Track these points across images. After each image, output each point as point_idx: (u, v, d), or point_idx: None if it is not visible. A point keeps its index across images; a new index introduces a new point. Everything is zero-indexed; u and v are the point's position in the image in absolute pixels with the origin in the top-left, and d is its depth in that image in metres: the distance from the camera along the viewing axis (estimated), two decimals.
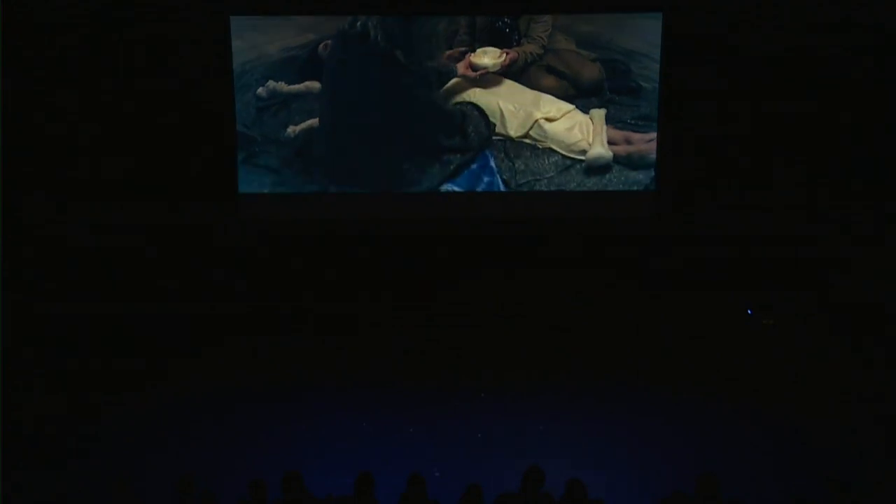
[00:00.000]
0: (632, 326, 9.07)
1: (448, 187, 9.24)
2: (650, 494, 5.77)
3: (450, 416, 7.62)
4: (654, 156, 9.09)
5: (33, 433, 7.18)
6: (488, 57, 9.02)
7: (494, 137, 9.16)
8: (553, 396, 7.94)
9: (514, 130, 9.14)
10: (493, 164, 9.21)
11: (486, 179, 9.23)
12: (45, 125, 8.81)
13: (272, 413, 7.68)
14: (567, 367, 8.48)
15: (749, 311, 9.21)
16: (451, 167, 9.20)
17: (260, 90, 9.01)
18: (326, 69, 9.01)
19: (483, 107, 9.13)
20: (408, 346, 8.85)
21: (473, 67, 9.05)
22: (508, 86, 9.14)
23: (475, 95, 9.14)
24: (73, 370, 8.25)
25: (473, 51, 9.02)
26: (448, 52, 9.00)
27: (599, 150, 9.10)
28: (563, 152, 9.14)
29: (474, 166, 9.22)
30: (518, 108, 9.11)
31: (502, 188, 9.21)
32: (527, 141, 9.17)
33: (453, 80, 9.09)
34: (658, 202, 9.13)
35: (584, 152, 9.12)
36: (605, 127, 9.09)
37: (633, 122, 9.12)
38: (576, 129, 9.12)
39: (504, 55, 9.02)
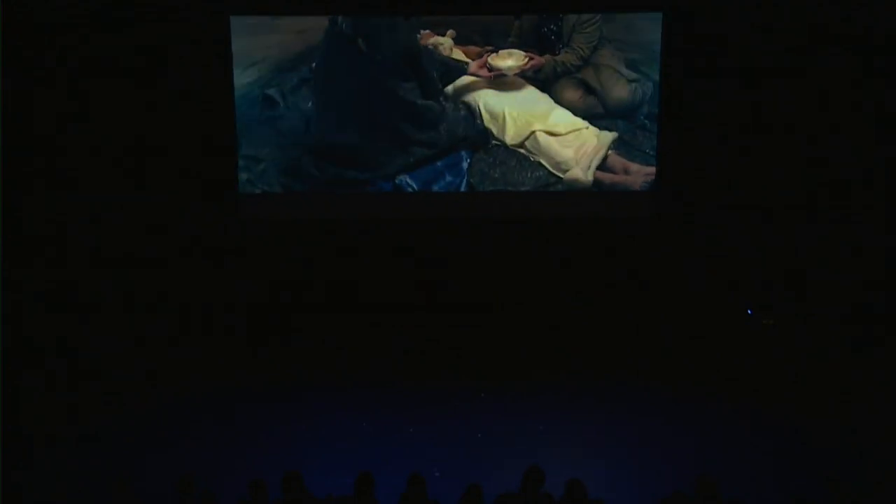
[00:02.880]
0: (632, 326, 9.07)
1: (403, 179, 9.19)
2: (650, 494, 5.76)
3: (450, 416, 7.62)
4: (636, 189, 9.04)
5: (33, 433, 7.16)
6: (512, 59, 8.90)
7: (493, 142, 9.12)
8: (553, 396, 7.94)
9: (510, 138, 9.08)
10: (465, 165, 9.14)
11: (448, 179, 9.17)
12: (45, 125, 8.81)
13: (272, 413, 7.68)
14: (567, 367, 8.48)
15: (749, 311, 9.21)
16: (412, 160, 9.17)
17: (314, 64, 9.05)
18: (316, 54, 9.04)
19: (487, 109, 9.08)
20: (408, 346, 8.85)
21: (489, 68, 9.01)
22: (526, 92, 9.03)
23: (484, 96, 9.07)
24: (73, 370, 8.24)
25: (496, 51, 8.95)
26: (476, 51, 8.96)
27: (577, 173, 8.99)
28: (550, 168, 9.08)
29: (439, 164, 9.16)
30: (520, 115, 9.03)
31: (464, 190, 9.17)
32: (521, 151, 9.12)
33: (464, 78, 9.05)
34: (658, 202, 9.13)
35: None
36: (604, 152, 8.98)
37: (650, 152, 9.01)
38: (570, 148, 9.01)
39: (527, 60, 8.94)
